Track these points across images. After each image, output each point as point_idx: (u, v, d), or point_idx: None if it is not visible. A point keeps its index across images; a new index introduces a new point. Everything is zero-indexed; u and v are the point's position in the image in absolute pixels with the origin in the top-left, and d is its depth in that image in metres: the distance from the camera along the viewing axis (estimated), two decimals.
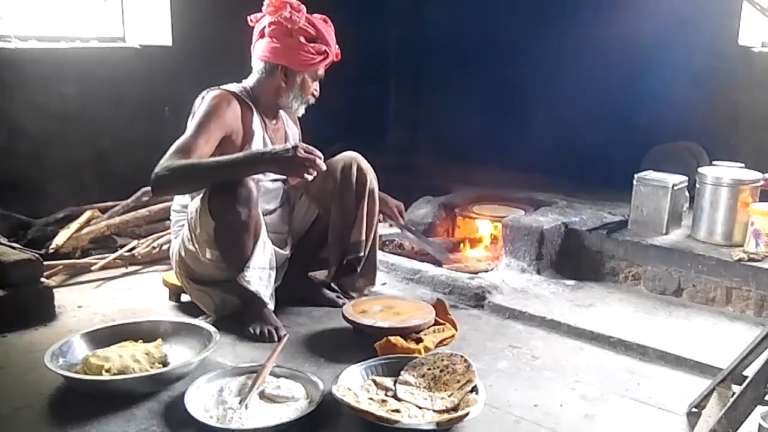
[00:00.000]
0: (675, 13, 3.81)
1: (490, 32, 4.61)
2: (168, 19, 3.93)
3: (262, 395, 2.00)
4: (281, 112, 2.75)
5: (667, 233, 3.06)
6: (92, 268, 3.07)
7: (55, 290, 2.67)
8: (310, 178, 2.33)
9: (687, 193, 3.20)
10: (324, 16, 2.64)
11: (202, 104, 2.48)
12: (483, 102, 4.74)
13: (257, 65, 2.62)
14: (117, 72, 3.76)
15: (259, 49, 2.60)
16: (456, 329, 2.52)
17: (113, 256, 3.15)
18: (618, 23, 3.85)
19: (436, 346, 2.39)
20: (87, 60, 3.67)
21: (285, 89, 2.61)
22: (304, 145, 2.33)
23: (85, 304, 2.78)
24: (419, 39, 5.13)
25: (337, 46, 2.65)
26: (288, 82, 2.60)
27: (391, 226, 3.07)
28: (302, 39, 2.54)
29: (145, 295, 2.90)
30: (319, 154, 2.32)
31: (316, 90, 2.68)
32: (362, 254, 2.72)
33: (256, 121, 2.59)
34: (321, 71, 2.66)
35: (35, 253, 2.69)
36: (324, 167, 2.34)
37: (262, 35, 2.59)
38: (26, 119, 3.47)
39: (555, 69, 4.28)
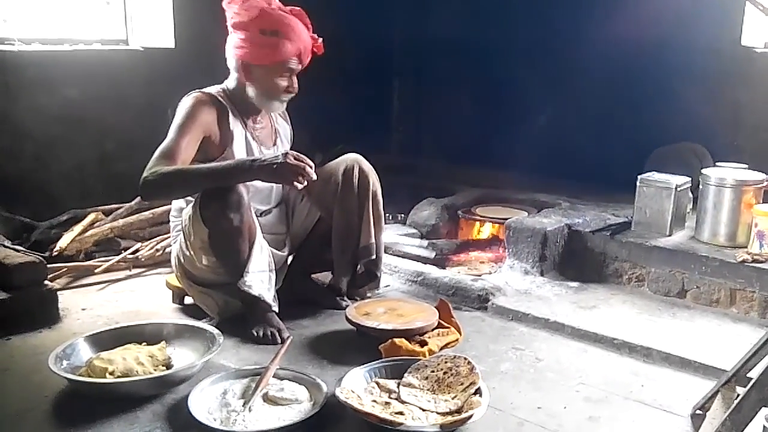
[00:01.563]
0: (678, 13, 3.81)
1: (492, 33, 4.61)
2: (171, 22, 3.93)
3: (266, 398, 2.00)
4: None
5: (670, 234, 3.05)
6: (96, 270, 3.08)
7: (59, 293, 2.68)
8: (300, 187, 2.32)
9: (690, 195, 3.19)
10: (296, 9, 2.56)
11: (179, 108, 2.48)
12: (486, 103, 4.74)
13: (229, 63, 2.59)
14: (120, 74, 3.77)
15: (227, 47, 2.58)
16: (460, 333, 2.52)
17: (117, 258, 3.16)
18: (621, 24, 3.84)
19: (441, 350, 2.39)
20: (90, 62, 3.68)
21: (249, 85, 2.55)
22: (295, 153, 2.31)
23: (88, 306, 2.79)
24: (422, 40, 5.13)
25: (311, 38, 2.55)
26: (250, 78, 2.53)
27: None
28: (258, 32, 2.48)
29: (149, 297, 2.90)
30: (310, 162, 2.30)
31: (293, 86, 2.57)
32: (375, 257, 2.73)
33: (234, 122, 2.56)
34: (292, 64, 2.54)
35: (39, 255, 2.71)
36: (314, 176, 2.31)
37: (228, 31, 2.57)
38: (30, 122, 3.48)
39: (559, 69, 4.28)
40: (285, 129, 2.82)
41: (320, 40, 2.61)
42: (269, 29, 2.48)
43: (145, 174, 2.29)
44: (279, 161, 2.27)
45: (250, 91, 2.56)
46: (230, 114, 2.55)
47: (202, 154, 2.45)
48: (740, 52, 3.78)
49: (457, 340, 2.49)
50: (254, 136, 2.63)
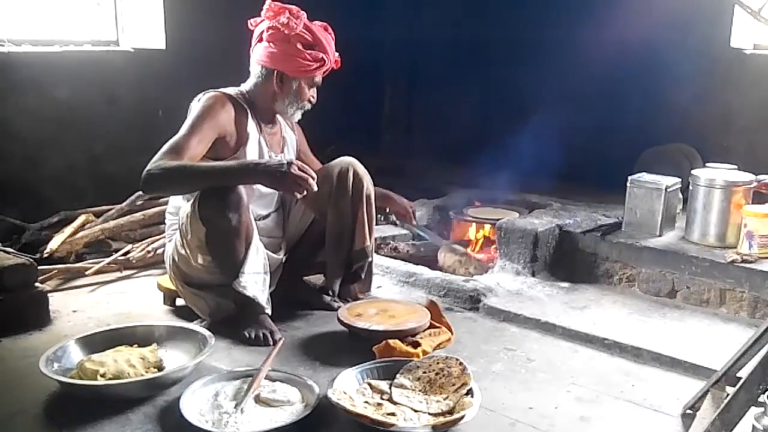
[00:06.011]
0: (668, 15, 3.83)
1: (484, 35, 4.62)
2: (162, 23, 3.93)
3: (258, 399, 2.00)
4: (279, 117, 2.75)
5: (660, 235, 3.07)
6: (87, 272, 3.07)
7: (49, 295, 2.67)
8: (299, 196, 2.33)
9: (680, 195, 3.21)
10: (324, 24, 2.63)
11: (197, 105, 2.49)
12: (477, 104, 4.75)
13: (254, 69, 2.62)
14: (111, 75, 3.76)
15: (257, 54, 2.60)
16: (452, 332, 2.53)
17: (108, 260, 3.15)
18: (611, 26, 3.87)
19: (434, 350, 2.40)
20: (81, 64, 3.67)
21: (280, 94, 2.60)
22: (299, 163, 2.32)
23: (79, 308, 2.78)
24: (414, 41, 5.14)
25: (336, 54, 2.64)
26: (283, 88, 2.59)
27: (397, 225, 3.11)
28: (299, 45, 2.53)
29: (140, 299, 2.90)
30: (313, 174, 2.31)
31: (313, 96, 2.67)
32: (370, 259, 2.73)
33: (251, 125, 2.59)
34: (318, 78, 2.64)
35: (30, 257, 2.69)
36: (315, 188, 2.33)
37: (260, 39, 2.59)
38: (20, 123, 3.47)
39: (549, 71, 4.30)
40: (291, 138, 2.84)
41: (336, 54, 2.66)
42: (310, 43, 2.55)
43: (148, 167, 2.28)
44: (283, 169, 2.27)
45: (279, 100, 2.61)
46: (249, 117, 2.58)
47: (213, 152, 2.46)
48: (730, 54, 3.80)
49: (449, 339, 2.50)
50: (267, 141, 2.65)
